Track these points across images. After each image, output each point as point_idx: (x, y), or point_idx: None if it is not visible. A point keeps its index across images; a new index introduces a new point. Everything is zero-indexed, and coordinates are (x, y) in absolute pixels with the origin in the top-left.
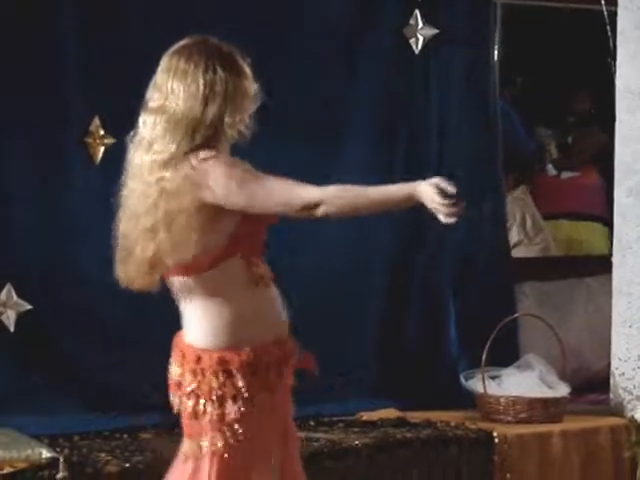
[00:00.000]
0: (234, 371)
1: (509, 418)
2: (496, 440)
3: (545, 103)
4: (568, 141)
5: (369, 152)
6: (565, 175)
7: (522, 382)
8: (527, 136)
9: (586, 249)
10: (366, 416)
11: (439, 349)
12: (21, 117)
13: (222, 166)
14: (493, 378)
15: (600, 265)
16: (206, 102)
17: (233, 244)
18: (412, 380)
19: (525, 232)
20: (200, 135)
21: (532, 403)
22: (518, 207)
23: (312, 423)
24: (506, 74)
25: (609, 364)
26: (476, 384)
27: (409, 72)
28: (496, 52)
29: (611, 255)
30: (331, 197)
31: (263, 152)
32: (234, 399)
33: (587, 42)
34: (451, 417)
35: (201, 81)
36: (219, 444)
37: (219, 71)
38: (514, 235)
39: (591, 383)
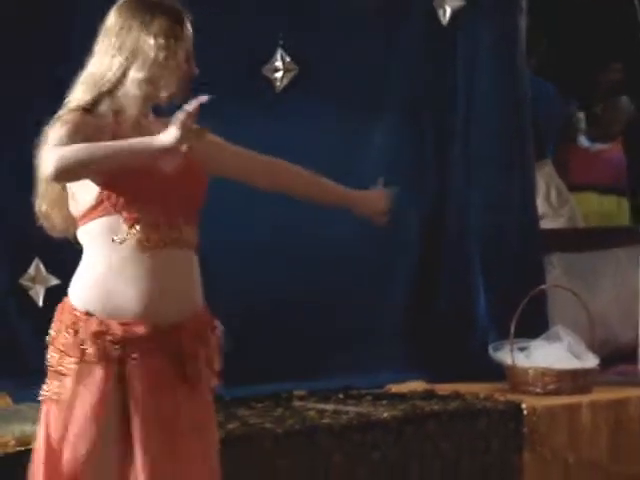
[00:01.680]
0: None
1: (538, 390)
2: (525, 412)
3: (574, 73)
4: (597, 112)
5: (398, 122)
6: (594, 147)
7: (551, 353)
8: (558, 106)
9: (613, 222)
10: (394, 388)
11: (468, 321)
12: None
13: (53, 128)
14: (522, 350)
15: (628, 237)
16: (111, 56)
17: (98, 201)
18: (441, 352)
19: (550, 204)
20: (94, 89)
21: (561, 375)
22: (543, 179)
23: (341, 396)
24: (534, 44)
25: (637, 335)
26: (505, 356)
27: (437, 43)
28: (524, 22)
29: (639, 226)
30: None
31: (296, 118)
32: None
33: (617, 12)
34: (480, 389)
35: (113, 39)
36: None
37: (135, 29)
38: (539, 208)
39: (620, 354)
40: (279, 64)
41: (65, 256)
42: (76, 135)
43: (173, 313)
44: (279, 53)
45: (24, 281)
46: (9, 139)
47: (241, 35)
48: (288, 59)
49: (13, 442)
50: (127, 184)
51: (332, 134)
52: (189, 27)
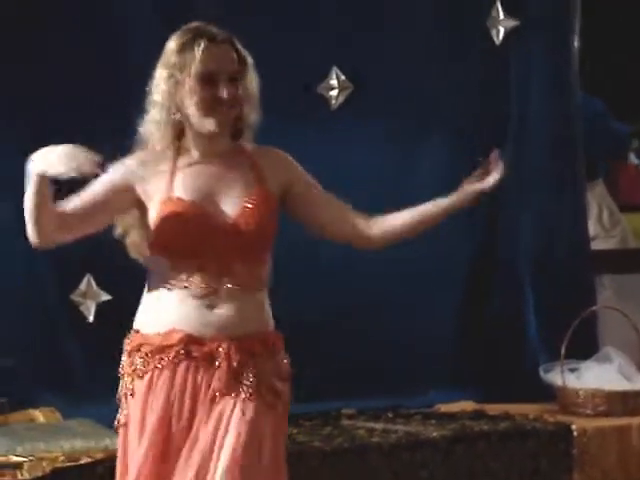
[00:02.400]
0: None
1: (588, 411)
2: (575, 433)
3: (624, 91)
4: None
5: (450, 142)
6: None
7: (601, 375)
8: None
9: None
10: (444, 408)
11: (518, 342)
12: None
13: None
14: (572, 371)
15: None
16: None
17: (153, 243)
18: (490, 372)
19: (602, 225)
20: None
21: (611, 396)
22: (594, 199)
23: (390, 415)
24: (586, 63)
25: None
26: (555, 377)
27: (490, 63)
28: (576, 42)
29: None
30: None
31: (350, 136)
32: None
33: None
34: (530, 410)
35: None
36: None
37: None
38: (591, 229)
39: None
40: (334, 82)
41: (116, 272)
42: None
43: (211, 336)
44: (334, 71)
45: (75, 297)
46: None
47: (297, 53)
48: (343, 77)
49: (62, 457)
50: (170, 232)
51: (384, 152)
52: (221, 47)
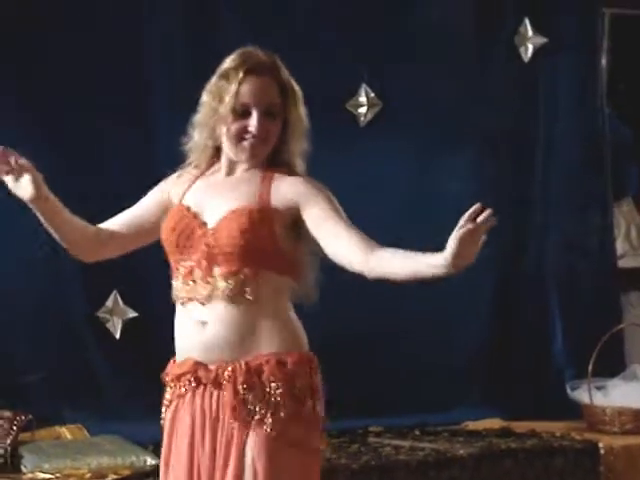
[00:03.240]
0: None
1: (615, 429)
2: (602, 451)
3: None
4: None
5: (476, 159)
6: None
7: (628, 393)
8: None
9: None
10: (471, 425)
11: (545, 359)
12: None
13: None
14: (599, 388)
15: None
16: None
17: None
18: (517, 390)
19: (630, 242)
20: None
21: (638, 414)
22: (623, 218)
23: (417, 432)
24: (613, 83)
25: None
26: (582, 394)
27: (519, 81)
28: (604, 61)
29: None
30: None
31: (379, 153)
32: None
33: None
34: (556, 428)
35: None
36: None
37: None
38: (619, 247)
39: None
40: (363, 99)
41: (143, 288)
42: None
43: (215, 359)
44: (363, 88)
45: (101, 313)
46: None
47: (326, 70)
48: (372, 94)
49: (89, 475)
50: (167, 233)
51: (413, 169)
52: (261, 79)
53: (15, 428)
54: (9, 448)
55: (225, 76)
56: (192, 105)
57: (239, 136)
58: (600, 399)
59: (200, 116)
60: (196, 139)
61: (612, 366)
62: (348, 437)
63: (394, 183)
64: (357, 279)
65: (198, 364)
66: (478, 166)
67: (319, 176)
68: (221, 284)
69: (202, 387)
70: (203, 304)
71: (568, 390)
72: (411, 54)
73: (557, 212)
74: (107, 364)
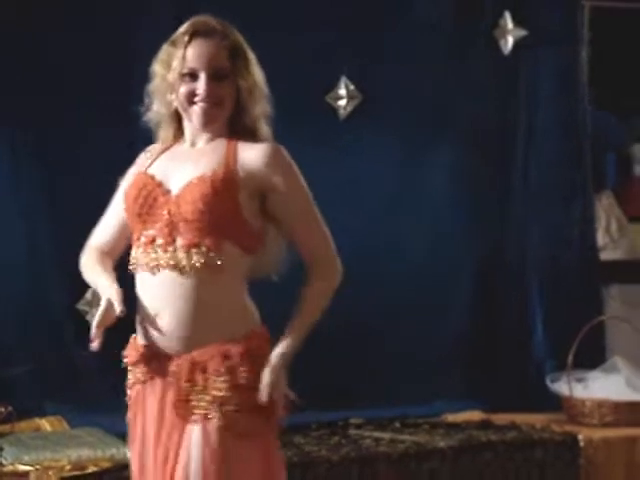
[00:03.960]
0: None
1: (595, 421)
2: (582, 444)
3: (632, 102)
4: None
5: (458, 153)
6: None
7: (608, 385)
8: (619, 137)
9: None
10: (451, 418)
11: (525, 351)
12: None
13: None
14: (579, 381)
15: None
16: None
17: None
18: (497, 382)
19: (610, 235)
20: None
21: (618, 406)
22: (603, 210)
23: (397, 425)
24: (594, 74)
25: None
26: (562, 387)
27: (499, 74)
28: (585, 52)
29: None
30: None
31: (359, 146)
32: None
33: None
34: (536, 420)
35: None
36: None
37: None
38: (599, 239)
39: None
40: (343, 92)
41: (122, 280)
42: None
43: (169, 341)
44: (343, 81)
45: (81, 306)
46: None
47: (305, 63)
48: (352, 87)
49: (69, 467)
50: (129, 201)
51: (393, 161)
52: (208, 42)
53: None
54: None
55: (173, 42)
56: None
57: (189, 100)
58: (580, 391)
59: (152, 85)
60: (156, 109)
61: (592, 358)
62: (329, 429)
63: (373, 175)
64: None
65: (150, 351)
66: (459, 158)
67: (300, 169)
68: (180, 255)
69: (154, 379)
70: (154, 274)
71: (548, 382)
72: (391, 47)
73: (538, 204)
74: (87, 356)
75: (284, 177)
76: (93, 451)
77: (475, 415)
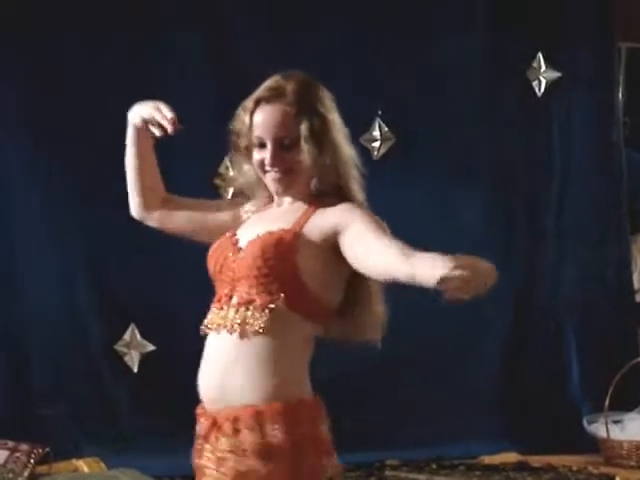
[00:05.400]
0: None
1: (632, 463)
2: None
3: None
4: None
5: (491, 195)
6: None
7: None
8: None
9: None
10: (487, 459)
11: (562, 393)
12: None
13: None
14: (616, 422)
15: None
16: None
17: None
18: (534, 424)
19: None
20: None
21: None
22: (639, 252)
23: (434, 466)
24: (629, 116)
25: None
26: (599, 428)
27: (532, 115)
28: (619, 94)
29: None
30: None
31: (392, 186)
32: None
33: None
34: (573, 462)
35: None
36: None
37: None
38: (635, 281)
39: None
40: (377, 134)
41: (161, 322)
42: None
43: (210, 401)
44: (377, 123)
45: (119, 347)
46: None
47: (341, 104)
48: (386, 129)
49: None
50: (210, 264)
51: (426, 202)
52: (272, 108)
53: (32, 461)
54: None
55: (243, 107)
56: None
57: (261, 169)
58: (617, 433)
59: (232, 152)
60: (238, 176)
61: (629, 400)
62: (365, 470)
63: (408, 216)
64: None
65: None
66: (492, 198)
67: None
68: (230, 314)
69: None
70: (215, 334)
71: (585, 424)
72: (424, 88)
73: (573, 245)
74: (125, 397)
75: (359, 214)
76: None
77: (511, 457)
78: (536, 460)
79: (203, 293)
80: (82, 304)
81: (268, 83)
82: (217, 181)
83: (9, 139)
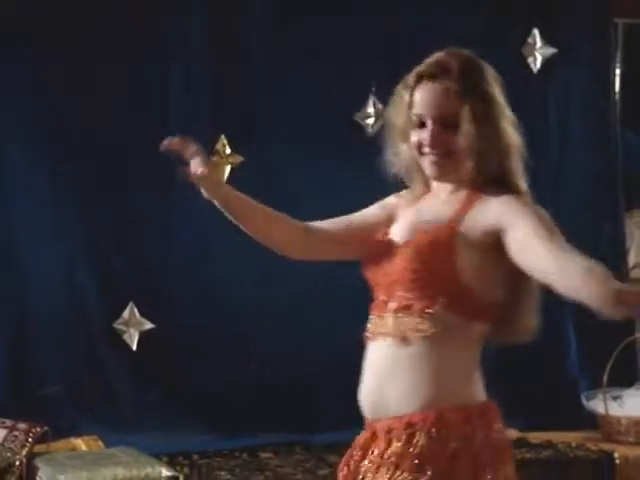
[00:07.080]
0: None
1: (631, 439)
2: (617, 461)
3: None
4: None
5: None
6: None
7: None
8: None
9: None
10: None
11: (560, 370)
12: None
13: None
14: (614, 399)
15: None
16: None
17: None
18: (533, 401)
19: None
20: None
21: None
22: (636, 228)
23: None
24: (625, 93)
25: None
26: (597, 405)
27: (527, 91)
28: (617, 71)
29: None
30: None
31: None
32: None
33: None
34: (572, 438)
35: None
36: None
37: None
38: (632, 257)
39: None
40: (371, 110)
41: (159, 300)
42: None
43: (378, 412)
44: (371, 100)
45: (118, 325)
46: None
47: (334, 83)
48: (380, 106)
49: None
50: (364, 265)
51: None
52: (433, 86)
53: (31, 440)
54: (24, 460)
55: (404, 83)
56: None
57: (419, 150)
58: (616, 409)
59: (388, 132)
60: (394, 158)
61: (627, 376)
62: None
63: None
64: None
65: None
66: None
67: (331, 185)
68: (388, 322)
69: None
70: (374, 342)
71: (583, 400)
72: (418, 63)
73: (568, 223)
74: (123, 376)
75: (524, 212)
76: (128, 471)
77: (511, 433)
78: (535, 437)
79: (201, 272)
80: (81, 282)
81: (431, 59)
82: (213, 158)
83: (10, 123)
